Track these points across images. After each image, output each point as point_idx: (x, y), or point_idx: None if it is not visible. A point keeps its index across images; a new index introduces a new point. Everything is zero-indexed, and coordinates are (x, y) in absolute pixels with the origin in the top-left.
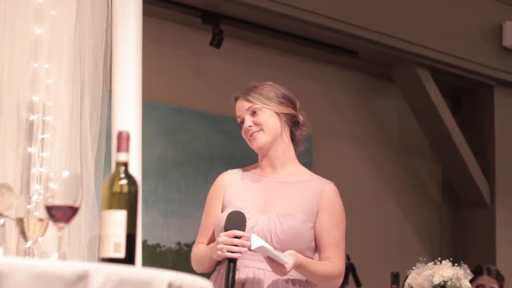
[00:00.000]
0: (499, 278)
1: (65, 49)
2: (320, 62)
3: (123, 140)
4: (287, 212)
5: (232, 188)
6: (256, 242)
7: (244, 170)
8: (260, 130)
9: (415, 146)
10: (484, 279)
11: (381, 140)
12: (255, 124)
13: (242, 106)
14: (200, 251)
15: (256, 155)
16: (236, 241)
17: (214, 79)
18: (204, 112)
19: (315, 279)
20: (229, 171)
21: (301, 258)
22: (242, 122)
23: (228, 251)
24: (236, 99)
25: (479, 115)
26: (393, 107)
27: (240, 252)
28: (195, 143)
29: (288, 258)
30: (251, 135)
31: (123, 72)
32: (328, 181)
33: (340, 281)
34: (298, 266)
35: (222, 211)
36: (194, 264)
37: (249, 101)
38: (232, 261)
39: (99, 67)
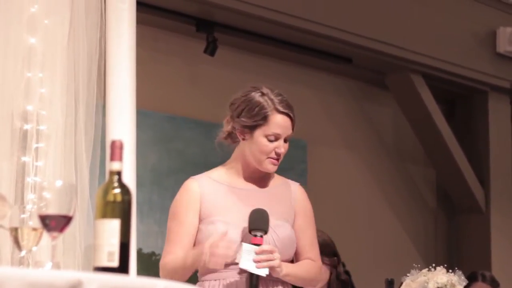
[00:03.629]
0: (494, 284)
1: (58, 58)
2: (314, 69)
3: (116, 149)
4: (278, 222)
5: (209, 199)
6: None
7: (211, 177)
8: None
9: (410, 153)
10: (478, 285)
11: (375, 146)
12: (283, 154)
13: (286, 127)
14: (177, 262)
15: None
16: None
17: (208, 87)
18: (199, 120)
19: (300, 281)
20: (195, 178)
21: (285, 264)
22: (275, 139)
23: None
24: (280, 113)
25: (473, 121)
26: (387, 113)
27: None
28: (190, 151)
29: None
30: (274, 160)
31: (117, 81)
32: (295, 182)
33: (318, 280)
34: (286, 274)
35: (200, 223)
36: (164, 275)
37: (292, 129)
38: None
39: (93, 76)
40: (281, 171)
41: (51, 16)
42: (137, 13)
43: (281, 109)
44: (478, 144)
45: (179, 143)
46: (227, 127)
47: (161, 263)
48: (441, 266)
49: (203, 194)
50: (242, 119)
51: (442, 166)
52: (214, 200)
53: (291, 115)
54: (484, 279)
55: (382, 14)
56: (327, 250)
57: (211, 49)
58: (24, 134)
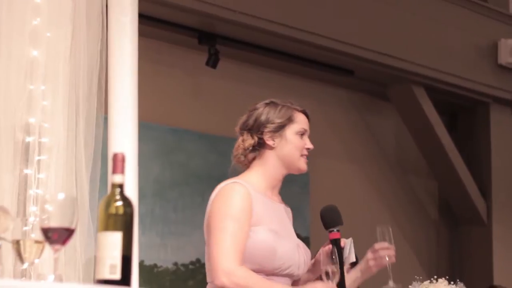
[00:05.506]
0: None
1: (61, 71)
2: (316, 81)
3: (118, 162)
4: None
5: (257, 206)
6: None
7: (255, 186)
8: None
9: (412, 164)
10: None
11: (377, 158)
12: None
13: (308, 124)
14: (255, 281)
15: None
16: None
17: (210, 99)
18: (201, 132)
19: None
20: (241, 183)
21: None
22: (303, 134)
23: None
24: (302, 112)
25: (475, 133)
26: (389, 125)
27: None
28: (192, 163)
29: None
30: (306, 155)
31: (120, 93)
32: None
33: None
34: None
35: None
36: (230, 282)
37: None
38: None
39: (94, 88)
40: (284, 183)
41: (53, 29)
42: (139, 26)
43: (299, 108)
44: (480, 155)
45: (182, 156)
46: (249, 142)
47: (227, 266)
48: (443, 278)
49: (253, 200)
50: (269, 124)
51: (444, 178)
52: (260, 208)
53: (307, 114)
54: None
55: (384, 27)
56: None
57: (213, 61)
58: (26, 147)
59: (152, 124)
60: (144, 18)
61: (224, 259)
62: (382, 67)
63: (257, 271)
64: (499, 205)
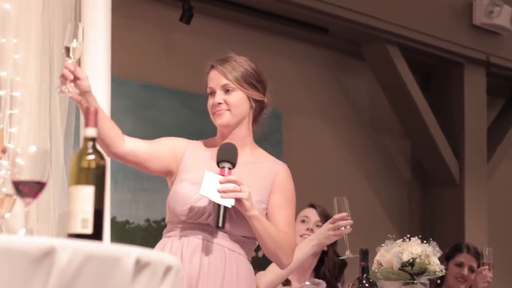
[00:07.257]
0: (478, 256)
1: (33, 24)
2: (290, 39)
3: (91, 116)
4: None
5: (190, 158)
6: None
7: (203, 144)
8: (227, 110)
9: (385, 124)
10: (463, 257)
11: (351, 117)
12: (226, 102)
13: (217, 79)
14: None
15: None
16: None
17: (183, 56)
18: (174, 89)
19: (266, 237)
20: (191, 141)
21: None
22: (212, 93)
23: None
24: (211, 68)
25: (449, 93)
26: (363, 84)
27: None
28: (165, 120)
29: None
30: (215, 112)
31: (92, 48)
32: (282, 163)
33: (290, 259)
34: (254, 215)
35: (173, 180)
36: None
37: (226, 77)
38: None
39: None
40: (256, 141)
41: None
42: None
43: (209, 66)
44: (453, 116)
45: (154, 112)
46: None
47: None
48: (416, 237)
49: (188, 151)
50: None
51: (417, 137)
52: (193, 161)
53: (220, 67)
54: (468, 251)
55: None
56: None
57: (187, 17)
58: None
59: (125, 80)
60: None
61: None
62: (357, 26)
63: (171, 217)
64: (472, 165)
